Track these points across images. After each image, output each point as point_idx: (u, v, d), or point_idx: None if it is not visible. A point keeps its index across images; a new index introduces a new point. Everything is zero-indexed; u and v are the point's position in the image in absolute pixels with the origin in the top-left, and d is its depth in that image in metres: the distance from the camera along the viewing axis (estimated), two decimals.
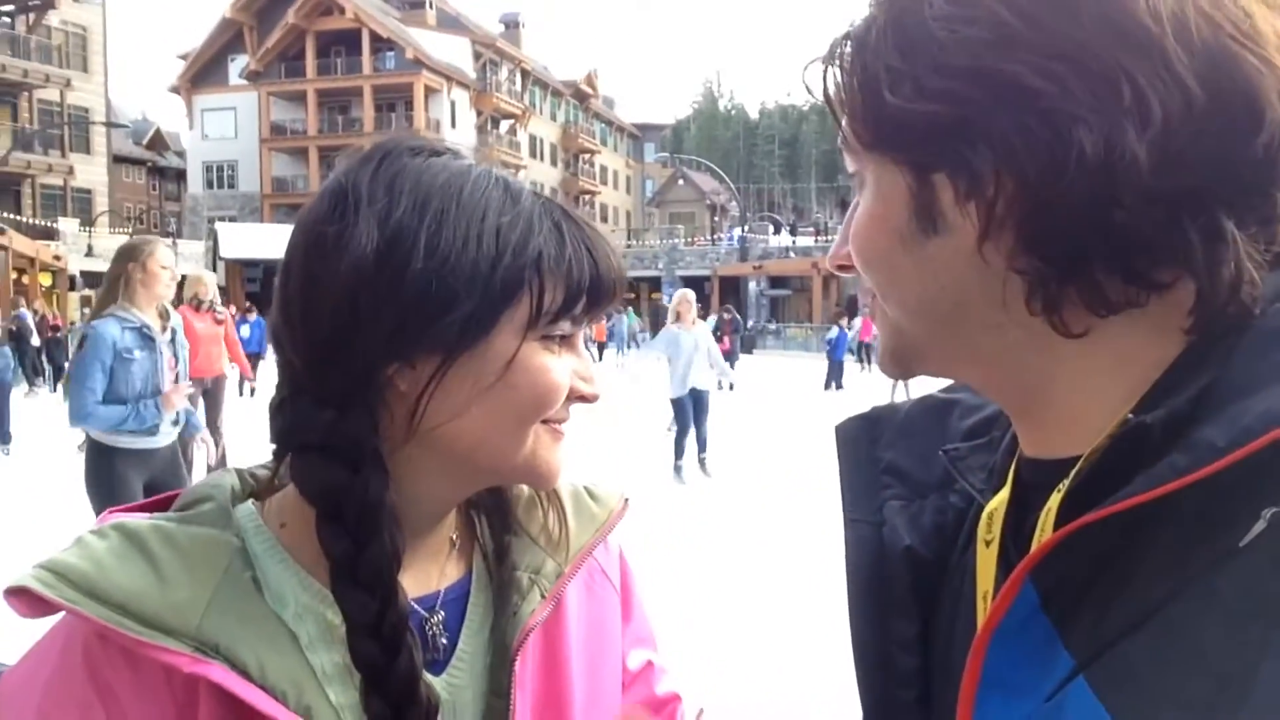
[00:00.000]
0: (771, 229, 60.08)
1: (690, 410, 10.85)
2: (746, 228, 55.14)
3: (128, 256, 4.88)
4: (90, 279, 42.74)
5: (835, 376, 22.47)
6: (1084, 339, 0.65)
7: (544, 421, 0.85)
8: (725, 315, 28.06)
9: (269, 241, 46.16)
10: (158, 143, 75.52)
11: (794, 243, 54.36)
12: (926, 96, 0.64)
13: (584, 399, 0.87)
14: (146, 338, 4.88)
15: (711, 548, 7.67)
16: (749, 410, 17.29)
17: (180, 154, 69.71)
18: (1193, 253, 0.60)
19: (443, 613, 0.91)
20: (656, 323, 35.96)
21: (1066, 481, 0.65)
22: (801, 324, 43.93)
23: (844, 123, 0.70)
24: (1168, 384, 0.64)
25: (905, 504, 0.84)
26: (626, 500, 1.07)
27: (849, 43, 0.69)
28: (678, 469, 10.93)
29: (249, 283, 44.59)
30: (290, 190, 57.98)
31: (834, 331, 23.19)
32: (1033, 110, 0.60)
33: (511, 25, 72.62)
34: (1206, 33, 0.58)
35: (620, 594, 1.06)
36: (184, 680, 0.75)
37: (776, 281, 50.18)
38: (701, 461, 11.14)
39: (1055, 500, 0.65)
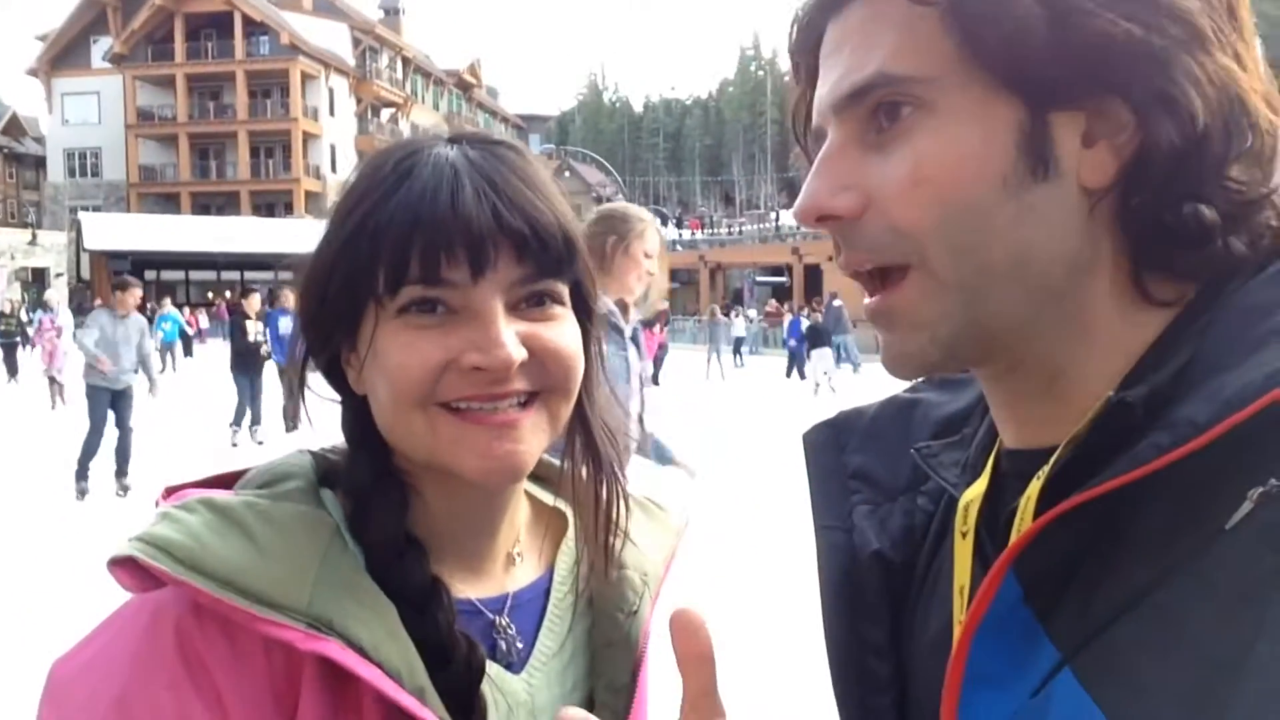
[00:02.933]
0: (658, 222, 60.21)
1: None
2: None
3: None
4: None
5: (797, 365, 23.84)
6: (1116, 316, 0.64)
7: (444, 406, 0.79)
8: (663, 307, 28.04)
9: (137, 232, 44.21)
10: (14, 128, 71.67)
11: (680, 235, 54.62)
12: (1102, 17, 0.59)
13: (477, 369, 0.78)
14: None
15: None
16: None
17: (39, 140, 66.29)
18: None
19: (510, 616, 0.90)
20: None
21: (1047, 468, 0.63)
22: (688, 316, 44.16)
23: (913, 30, 0.62)
24: (1148, 363, 0.63)
25: (873, 508, 0.82)
26: (687, 511, 1.08)
27: None
28: None
29: (115, 275, 42.56)
30: (159, 179, 55.73)
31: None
32: (1190, 61, 0.60)
33: (391, 12, 71.08)
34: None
35: None
36: (285, 655, 0.74)
37: None
38: None
39: (1035, 487, 0.63)
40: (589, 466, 0.92)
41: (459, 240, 0.76)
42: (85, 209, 50.63)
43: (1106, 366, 0.65)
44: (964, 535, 0.72)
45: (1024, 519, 0.63)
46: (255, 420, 12.54)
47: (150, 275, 43.33)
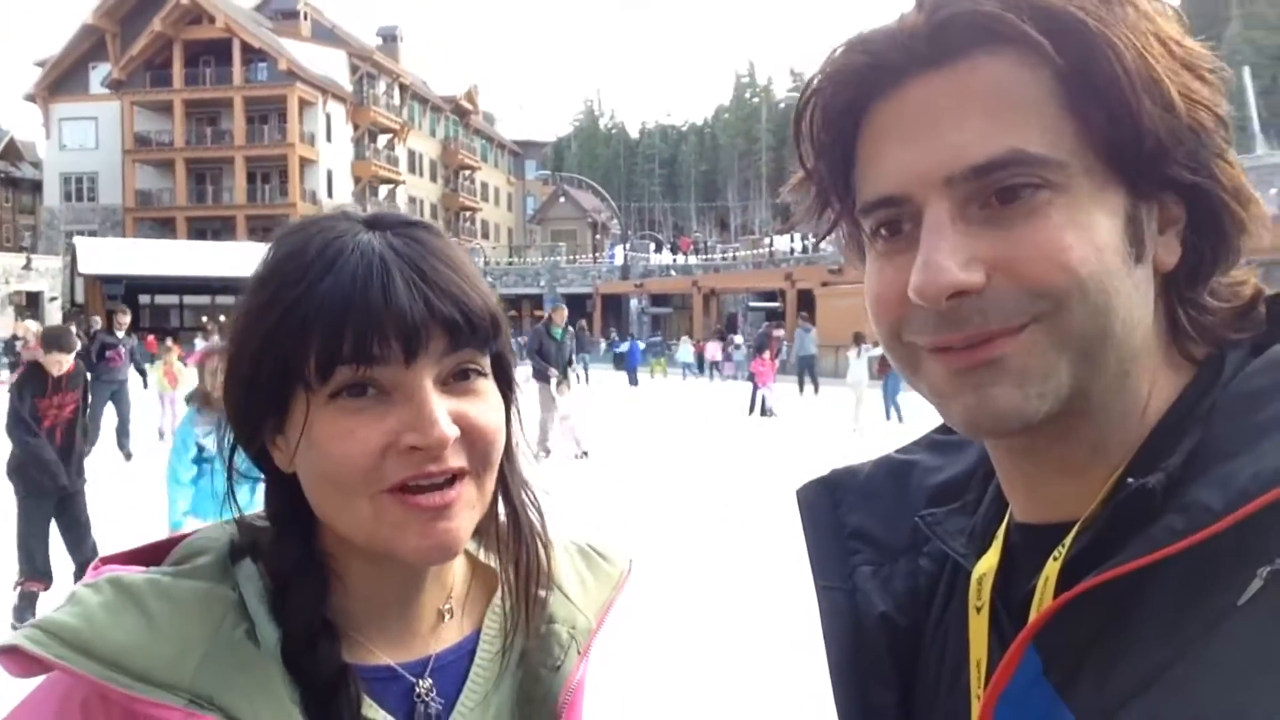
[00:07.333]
0: (653, 247, 60.45)
1: None
2: (628, 246, 55.35)
3: None
4: None
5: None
6: (1152, 384, 0.67)
7: (387, 491, 0.79)
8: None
9: (132, 256, 44.22)
10: (11, 153, 71.90)
11: (675, 261, 54.81)
12: (1178, 111, 0.62)
13: (414, 449, 0.79)
14: None
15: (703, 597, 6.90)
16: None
17: (36, 165, 66.44)
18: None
19: (431, 679, 0.90)
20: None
21: (1063, 548, 0.64)
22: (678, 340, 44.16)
23: (1040, 110, 0.63)
24: (1157, 443, 0.65)
25: (875, 569, 0.82)
26: (631, 560, 1.08)
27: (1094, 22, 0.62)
28: None
29: (109, 299, 42.59)
30: (155, 204, 55.84)
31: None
32: (1217, 149, 0.65)
33: (389, 38, 71.41)
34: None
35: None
36: None
37: (658, 299, 50.46)
38: None
39: (1053, 568, 0.65)
40: (510, 529, 0.94)
41: (392, 330, 0.77)
42: (81, 233, 50.62)
43: (1130, 434, 0.67)
44: (978, 610, 0.72)
45: (1044, 597, 0.65)
46: None
47: (145, 300, 43.44)
